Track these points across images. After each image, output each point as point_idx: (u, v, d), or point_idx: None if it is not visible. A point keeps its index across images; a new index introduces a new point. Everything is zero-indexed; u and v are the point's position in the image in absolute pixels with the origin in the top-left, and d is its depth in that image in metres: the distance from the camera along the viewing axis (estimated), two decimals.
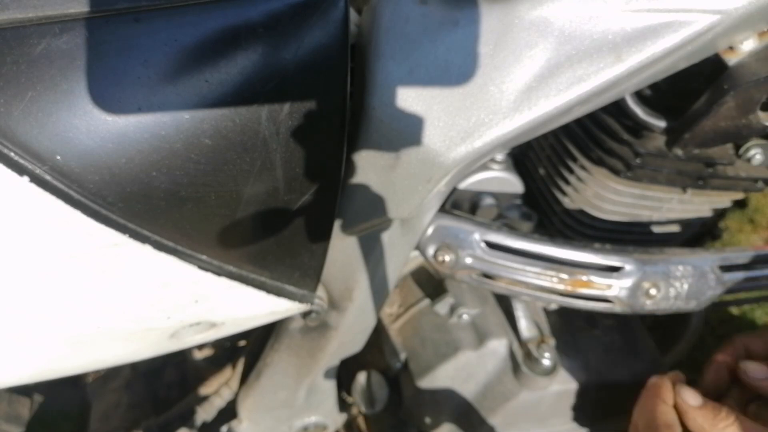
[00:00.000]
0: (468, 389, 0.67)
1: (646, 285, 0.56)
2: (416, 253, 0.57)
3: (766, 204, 1.61)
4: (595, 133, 0.55)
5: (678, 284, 0.57)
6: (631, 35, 0.38)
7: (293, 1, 0.34)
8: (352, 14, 0.43)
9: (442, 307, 0.69)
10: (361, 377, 0.73)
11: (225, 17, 0.32)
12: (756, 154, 0.55)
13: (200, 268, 0.40)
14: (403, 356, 0.71)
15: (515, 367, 0.64)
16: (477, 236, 0.55)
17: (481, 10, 0.39)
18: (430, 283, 0.73)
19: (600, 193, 0.58)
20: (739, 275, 0.59)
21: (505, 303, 0.68)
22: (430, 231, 0.55)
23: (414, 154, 0.42)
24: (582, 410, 0.70)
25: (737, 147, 0.56)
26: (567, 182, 0.61)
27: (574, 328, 0.71)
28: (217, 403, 0.79)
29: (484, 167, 0.63)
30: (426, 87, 0.39)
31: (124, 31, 0.31)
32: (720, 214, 0.70)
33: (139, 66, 0.31)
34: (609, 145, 0.54)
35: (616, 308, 0.57)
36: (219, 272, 0.41)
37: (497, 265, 0.55)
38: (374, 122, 0.41)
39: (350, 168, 0.44)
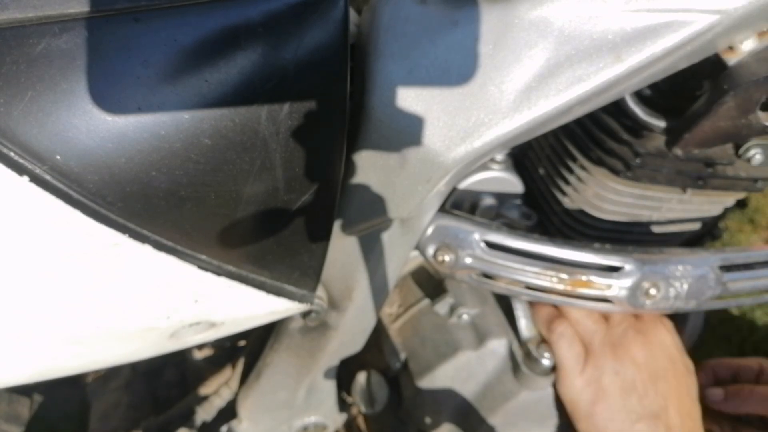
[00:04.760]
0: (468, 389, 0.67)
1: (645, 285, 0.56)
2: (416, 253, 0.57)
3: (766, 204, 1.61)
4: (595, 133, 0.55)
5: (678, 284, 0.57)
6: (630, 35, 0.38)
7: (293, 1, 0.34)
8: (352, 14, 0.43)
9: (442, 307, 0.69)
10: (361, 377, 0.73)
11: (224, 17, 0.32)
12: (756, 154, 0.55)
13: (200, 267, 0.40)
14: (403, 356, 0.71)
15: (515, 367, 0.64)
16: (477, 236, 0.55)
17: (481, 10, 0.39)
18: (430, 283, 0.73)
19: (600, 193, 0.58)
20: (739, 275, 0.59)
21: (505, 303, 0.68)
22: (429, 231, 0.55)
23: (414, 153, 0.42)
24: None
25: (737, 147, 0.56)
26: (567, 182, 0.61)
27: None
28: (217, 403, 0.79)
29: (484, 167, 0.63)
30: (426, 87, 0.39)
31: (124, 31, 0.31)
32: (720, 214, 0.70)
33: (139, 66, 0.31)
34: (609, 145, 0.54)
35: (616, 308, 0.57)
36: (219, 272, 0.41)
37: (497, 265, 0.55)
38: (374, 122, 0.41)
39: (350, 168, 0.44)
